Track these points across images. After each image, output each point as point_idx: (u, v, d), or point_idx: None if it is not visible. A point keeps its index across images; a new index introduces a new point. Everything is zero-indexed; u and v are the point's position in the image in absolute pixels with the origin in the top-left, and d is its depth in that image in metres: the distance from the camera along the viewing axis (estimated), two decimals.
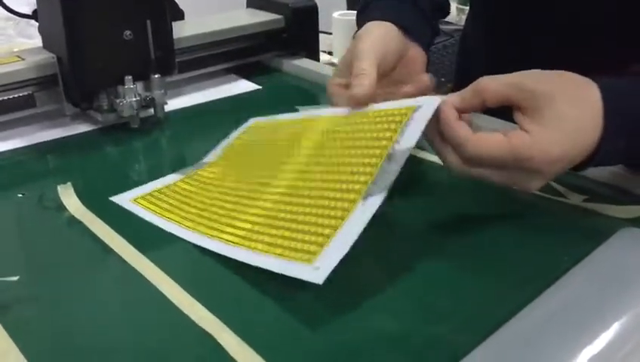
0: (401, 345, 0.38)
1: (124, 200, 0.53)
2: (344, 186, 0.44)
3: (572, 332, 0.37)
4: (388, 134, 0.45)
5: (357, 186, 0.43)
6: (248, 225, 0.46)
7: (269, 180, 0.51)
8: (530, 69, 0.45)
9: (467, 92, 0.46)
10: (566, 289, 0.41)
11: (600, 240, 0.45)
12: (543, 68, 0.47)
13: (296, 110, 0.72)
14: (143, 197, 0.53)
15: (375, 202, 0.41)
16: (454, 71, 0.91)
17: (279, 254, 0.42)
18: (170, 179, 0.57)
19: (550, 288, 0.41)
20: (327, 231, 0.41)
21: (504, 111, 0.47)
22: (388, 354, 0.37)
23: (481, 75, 0.48)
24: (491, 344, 0.36)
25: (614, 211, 0.49)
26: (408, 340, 0.38)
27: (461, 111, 0.46)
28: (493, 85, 0.45)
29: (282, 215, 0.45)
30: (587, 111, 0.44)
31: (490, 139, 0.44)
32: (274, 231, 0.44)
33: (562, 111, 0.43)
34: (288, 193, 0.48)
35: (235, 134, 0.62)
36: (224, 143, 0.62)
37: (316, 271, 0.38)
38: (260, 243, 0.44)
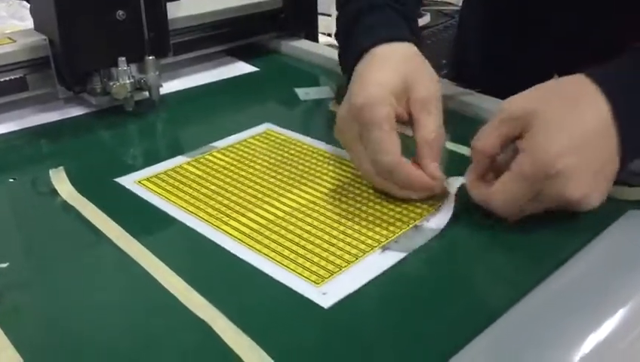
0: (400, 333, 0.37)
1: (129, 181, 0.52)
2: (363, 230, 0.45)
3: (578, 316, 0.36)
4: (418, 210, 0.47)
5: (377, 236, 0.45)
6: (254, 225, 0.46)
7: (283, 191, 0.51)
8: (526, 57, 0.44)
9: (475, 163, 0.46)
10: (572, 272, 0.40)
11: (607, 222, 0.45)
12: (540, 55, 0.46)
13: (295, 92, 0.70)
14: (147, 179, 0.52)
15: (393, 257, 0.42)
16: (450, 62, 0.89)
17: (285, 266, 0.42)
18: (177, 161, 0.55)
19: (556, 272, 0.40)
20: (338, 261, 0.42)
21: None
22: (389, 338, 0.36)
23: (478, 66, 0.47)
24: (497, 328, 0.36)
25: (621, 193, 0.48)
26: (405, 329, 0.37)
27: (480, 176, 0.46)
28: (483, 142, 0.46)
29: (292, 228, 0.46)
30: (577, 103, 0.44)
31: (501, 185, 0.44)
32: (282, 241, 0.44)
33: (548, 117, 0.43)
34: (304, 210, 0.48)
35: (247, 133, 0.61)
36: (236, 137, 0.60)
37: (324, 295, 0.39)
38: (264, 246, 0.44)
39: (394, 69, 0.49)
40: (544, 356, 0.33)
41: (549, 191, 0.42)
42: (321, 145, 0.58)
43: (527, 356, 0.33)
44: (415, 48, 0.52)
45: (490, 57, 0.75)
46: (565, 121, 0.43)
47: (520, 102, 0.45)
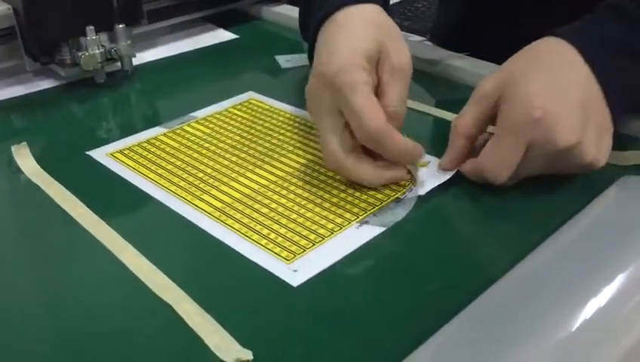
0: (372, 312, 0.34)
1: (100, 154, 0.50)
2: (341, 203, 0.43)
3: (577, 281, 0.34)
4: (403, 182, 0.45)
5: (355, 210, 0.42)
6: (227, 199, 0.44)
7: (260, 161, 0.48)
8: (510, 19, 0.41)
9: (456, 144, 0.44)
10: (569, 238, 0.38)
11: (599, 189, 0.42)
12: (525, 18, 0.43)
13: (275, 60, 0.68)
14: (120, 151, 0.50)
15: (370, 232, 0.40)
16: (433, 22, 0.86)
17: (256, 242, 0.39)
18: (153, 132, 0.53)
19: (551, 236, 0.38)
20: (313, 236, 0.40)
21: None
22: (361, 318, 0.34)
23: (460, 25, 0.43)
24: (490, 296, 0.34)
25: (614, 158, 0.46)
26: (379, 308, 0.35)
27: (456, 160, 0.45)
28: (463, 121, 0.44)
29: (268, 201, 0.43)
30: (550, 57, 0.43)
31: (490, 147, 0.42)
32: (255, 215, 0.42)
33: (522, 73, 0.42)
34: (281, 182, 0.45)
35: (229, 102, 0.58)
36: (216, 106, 0.57)
37: (294, 273, 0.37)
38: (236, 221, 0.41)
39: (364, 34, 0.44)
40: (543, 321, 0.31)
41: (538, 141, 0.40)
42: (303, 114, 0.55)
43: (526, 321, 0.31)
44: (382, 10, 0.48)
45: (472, 19, 0.73)
46: (540, 71, 0.42)
47: (492, 77, 0.43)
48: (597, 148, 0.42)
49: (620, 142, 0.46)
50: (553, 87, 0.41)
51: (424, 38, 0.81)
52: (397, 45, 0.45)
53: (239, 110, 0.57)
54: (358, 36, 0.44)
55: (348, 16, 0.46)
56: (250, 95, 0.60)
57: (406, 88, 0.44)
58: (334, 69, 0.42)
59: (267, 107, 0.57)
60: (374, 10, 0.47)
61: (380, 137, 0.41)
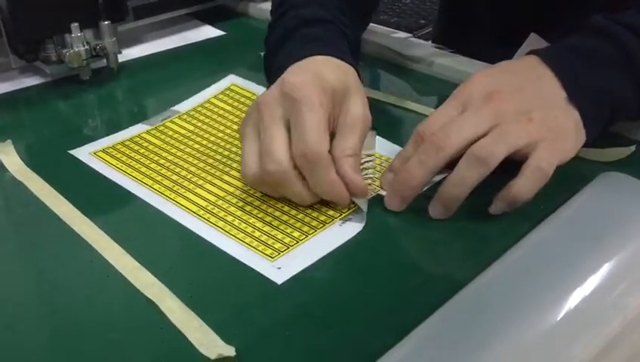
0: (354, 308, 0.35)
1: (83, 153, 0.50)
2: (325, 201, 0.43)
3: (552, 281, 0.34)
4: (378, 175, 0.46)
5: (339, 207, 0.43)
6: (211, 197, 0.44)
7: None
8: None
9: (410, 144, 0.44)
10: (544, 236, 0.39)
11: (580, 185, 0.43)
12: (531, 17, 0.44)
13: (261, 57, 0.67)
14: (103, 150, 0.50)
15: (353, 229, 0.41)
16: (436, 20, 0.86)
17: (240, 239, 0.40)
18: (136, 130, 0.53)
19: (528, 235, 0.38)
20: (296, 234, 0.40)
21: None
22: (343, 315, 0.34)
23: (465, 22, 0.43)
24: (469, 292, 0.34)
25: (594, 155, 0.46)
26: (360, 305, 0.35)
27: None
28: (425, 125, 0.44)
29: (251, 199, 0.43)
30: (514, 64, 0.47)
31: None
32: (239, 213, 0.42)
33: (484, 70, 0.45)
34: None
35: (211, 90, 0.58)
36: (199, 97, 0.57)
37: (277, 270, 0.37)
38: (219, 219, 0.42)
39: (333, 74, 0.44)
40: (528, 312, 0.32)
41: (481, 106, 0.42)
42: None
43: (504, 319, 0.32)
44: (353, 70, 0.47)
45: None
46: (499, 67, 0.46)
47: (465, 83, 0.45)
48: (540, 127, 0.42)
49: (601, 138, 0.46)
50: (499, 70, 0.45)
51: (411, 35, 0.82)
52: (359, 96, 0.44)
53: (221, 100, 0.57)
54: (326, 71, 0.44)
55: (319, 58, 0.46)
56: (231, 80, 0.59)
57: (362, 139, 0.42)
58: (297, 81, 0.41)
59: (249, 95, 0.57)
60: (345, 64, 0.47)
61: (316, 160, 0.39)
